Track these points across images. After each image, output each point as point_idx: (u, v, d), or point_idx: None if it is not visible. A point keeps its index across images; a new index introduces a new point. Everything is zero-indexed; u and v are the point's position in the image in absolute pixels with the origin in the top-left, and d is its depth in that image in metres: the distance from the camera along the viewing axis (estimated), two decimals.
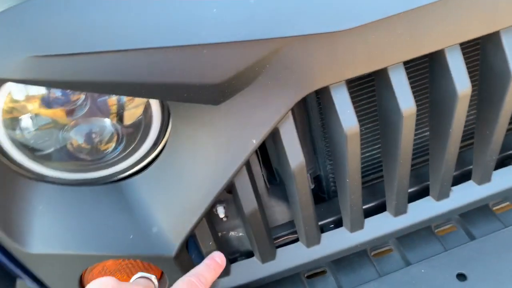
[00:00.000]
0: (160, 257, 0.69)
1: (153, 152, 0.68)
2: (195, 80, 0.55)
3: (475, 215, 0.94)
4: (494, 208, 0.95)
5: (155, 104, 0.64)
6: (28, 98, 0.60)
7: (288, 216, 0.82)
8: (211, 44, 0.52)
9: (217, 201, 0.73)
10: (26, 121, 0.62)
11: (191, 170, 0.66)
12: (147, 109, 0.65)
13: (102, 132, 0.66)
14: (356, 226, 0.81)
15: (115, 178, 0.69)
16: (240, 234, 0.79)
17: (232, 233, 0.79)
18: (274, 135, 0.65)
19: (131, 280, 0.64)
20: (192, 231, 0.69)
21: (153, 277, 0.63)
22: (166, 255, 0.69)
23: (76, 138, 0.65)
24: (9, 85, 0.58)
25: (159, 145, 0.68)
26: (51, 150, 0.65)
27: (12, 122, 0.61)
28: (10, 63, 0.51)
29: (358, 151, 0.66)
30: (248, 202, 0.69)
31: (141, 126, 0.66)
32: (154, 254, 0.69)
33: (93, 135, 0.66)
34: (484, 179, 0.84)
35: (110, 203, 0.69)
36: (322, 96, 0.64)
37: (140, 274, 0.64)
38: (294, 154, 0.64)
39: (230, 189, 0.70)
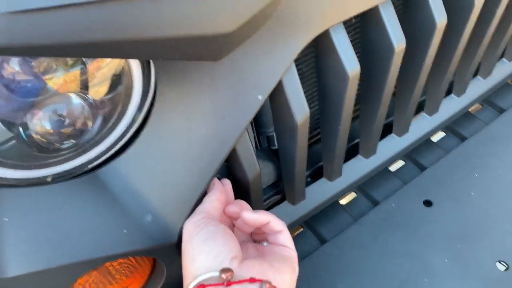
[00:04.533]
0: (160, 248, 0.60)
1: (133, 127, 0.58)
2: (202, 31, 0.47)
3: (418, 148, 1.01)
4: (432, 138, 1.04)
5: (135, 67, 0.54)
6: None
7: (272, 179, 0.78)
8: None
9: None
10: None
11: (186, 140, 0.58)
12: (125, 74, 0.54)
13: (73, 112, 0.53)
14: (337, 174, 0.81)
15: (91, 166, 0.57)
16: None
17: None
18: (276, 88, 0.59)
19: None
20: (192, 211, 0.61)
21: None
22: (168, 243, 0.60)
23: (42, 123, 0.51)
24: None
25: (137, 119, 0.58)
26: (8, 144, 0.51)
27: None
28: None
29: (354, 95, 0.64)
30: (252, 166, 0.63)
31: (120, 97, 0.55)
32: (154, 246, 0.60)
33: (63, 117, 0.53)
34: (434, 110, 0.91)
35: (92, 198, 0.57)
36: (321, 41, 0.60)
37: None
38: (299, 106, 0.60)
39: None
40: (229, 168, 0.66)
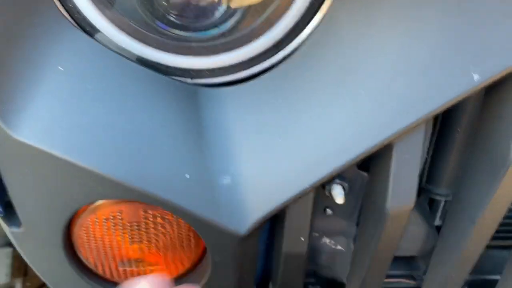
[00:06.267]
0: (216, 228, 0.39)
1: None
2: None
3: None
4: None
5: None
6: None
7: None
8: None
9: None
10: None
11: (349, 83, 0.37)
12: None
13: None
14: None
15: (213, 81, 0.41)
16: (338, 247, 0.48)
17: (326, 240, 0.48)
18: None
19: None
20: (288, 203, 0.39)
21: None
22: (232, 229, 0.39)
23: None
24: None
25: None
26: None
27: None
28: None
29: None
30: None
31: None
32: (207, 219, 0.39)
33: None
34: None
35: (184, 114, 0.40)
36: None
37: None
38: None
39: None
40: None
